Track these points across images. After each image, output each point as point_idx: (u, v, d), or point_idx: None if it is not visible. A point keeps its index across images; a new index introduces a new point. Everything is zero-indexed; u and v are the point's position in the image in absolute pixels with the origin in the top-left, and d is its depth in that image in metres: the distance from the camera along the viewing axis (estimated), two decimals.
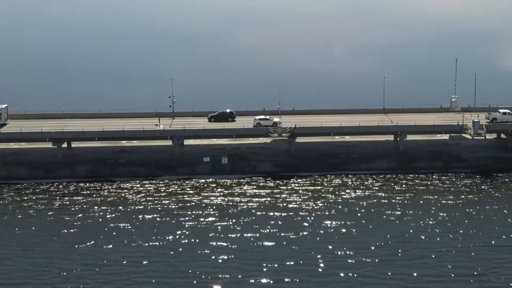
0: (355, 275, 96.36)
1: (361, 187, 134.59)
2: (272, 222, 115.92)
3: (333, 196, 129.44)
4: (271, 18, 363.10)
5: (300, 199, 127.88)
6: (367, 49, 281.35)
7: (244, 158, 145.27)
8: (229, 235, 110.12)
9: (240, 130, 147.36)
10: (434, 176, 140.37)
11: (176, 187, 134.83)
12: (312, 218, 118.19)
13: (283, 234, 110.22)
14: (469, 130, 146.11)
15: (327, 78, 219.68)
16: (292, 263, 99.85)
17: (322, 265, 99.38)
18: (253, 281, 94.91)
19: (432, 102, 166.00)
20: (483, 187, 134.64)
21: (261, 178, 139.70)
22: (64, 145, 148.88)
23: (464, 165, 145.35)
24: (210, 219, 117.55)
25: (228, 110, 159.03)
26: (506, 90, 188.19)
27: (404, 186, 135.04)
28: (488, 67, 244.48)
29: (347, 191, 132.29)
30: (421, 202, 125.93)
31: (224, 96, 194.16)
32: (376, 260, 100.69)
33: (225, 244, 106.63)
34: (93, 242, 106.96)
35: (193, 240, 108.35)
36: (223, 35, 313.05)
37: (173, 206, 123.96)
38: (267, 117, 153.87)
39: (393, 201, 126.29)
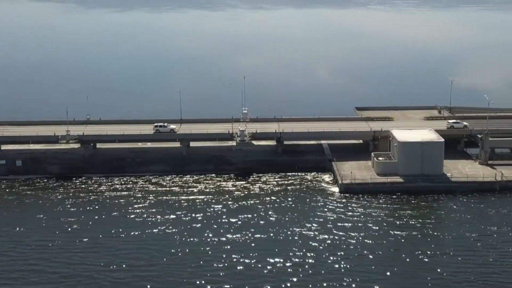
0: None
1: (124, 187, 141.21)
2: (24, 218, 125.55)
3: (91, 195, 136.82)
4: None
5: (60, 198, 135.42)
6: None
7: (39, 161, 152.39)
8: None
9: (35, 137, 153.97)
10: (197, 177, 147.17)
11: None
12: (58, 213, 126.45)
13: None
14: (235, 137, 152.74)
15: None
16: None
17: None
18: None
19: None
20: (228, 186, 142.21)
21: (45, 179, 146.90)
22: None
23: (232, 167, 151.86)
24: None
25: None
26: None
27: (162, 186, 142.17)
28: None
29: (108, 190, 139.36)
30: (160, 200, 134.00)
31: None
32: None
33: None
34: None
35: None
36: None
37: None
38: (458, 121, 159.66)
39: (141, 200, 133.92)
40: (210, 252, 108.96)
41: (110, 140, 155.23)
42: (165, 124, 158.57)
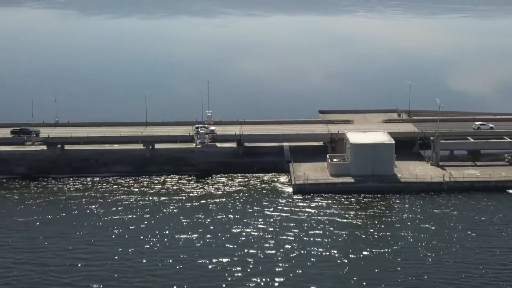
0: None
1: (85, 188, 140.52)
2: None
3: (52, 195, 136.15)
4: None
5: (21, 198, 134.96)
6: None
7: (6, 162, 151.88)
8: None
9: (1, 139, 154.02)
10: (158, 178, 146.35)
11: None
12: (16, 213, 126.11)
13: None
14: (195, 139, 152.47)
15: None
16: None
17: None
18: None
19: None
20: (183, 187, 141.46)
21: (10, 179, 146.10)
22: None
23: (192, 168, 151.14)
24: None
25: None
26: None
27: (123, 187, 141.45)
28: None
29: (69, 191, 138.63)
30: (118, 200, 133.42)
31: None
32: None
33: None
34: None
35: None
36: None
37: None
38: (485, 123, 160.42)
39: (100, 200, 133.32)
40: (157, 253, 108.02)
41: (75, 142, 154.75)
42: (206, 125, 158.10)
